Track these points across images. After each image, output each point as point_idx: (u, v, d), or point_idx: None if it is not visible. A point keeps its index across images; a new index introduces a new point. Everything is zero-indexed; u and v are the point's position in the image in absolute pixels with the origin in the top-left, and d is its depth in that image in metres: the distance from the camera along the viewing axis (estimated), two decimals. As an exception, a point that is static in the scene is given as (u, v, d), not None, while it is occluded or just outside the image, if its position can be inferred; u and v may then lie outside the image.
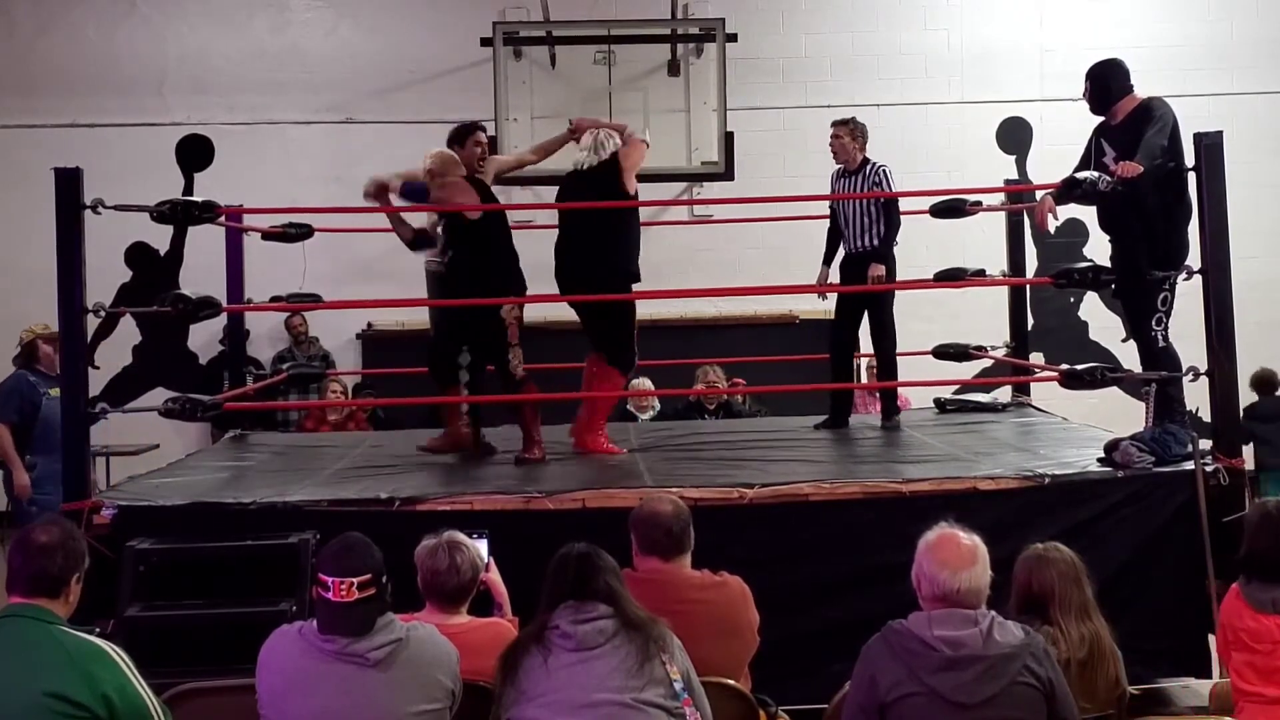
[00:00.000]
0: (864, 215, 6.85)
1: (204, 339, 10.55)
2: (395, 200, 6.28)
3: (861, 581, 4.99)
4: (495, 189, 6.51)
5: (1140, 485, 5.25)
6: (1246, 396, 7.89)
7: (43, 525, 3.27)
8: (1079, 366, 5.65)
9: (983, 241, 8.96)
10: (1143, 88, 5.85)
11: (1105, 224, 5.91)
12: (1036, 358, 8.74)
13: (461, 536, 3.81)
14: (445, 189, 5.99)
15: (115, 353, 10.30)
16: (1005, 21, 11.09)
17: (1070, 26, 10.96)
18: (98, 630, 3.32)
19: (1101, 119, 5.90)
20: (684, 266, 9.75)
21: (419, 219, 6.65)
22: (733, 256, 10.47)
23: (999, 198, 7.88)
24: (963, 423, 7.13)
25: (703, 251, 10.39)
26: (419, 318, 9.37)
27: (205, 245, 8.99)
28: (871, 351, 7.22)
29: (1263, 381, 8.95)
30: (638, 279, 6.33)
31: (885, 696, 3.16)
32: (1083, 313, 11.00)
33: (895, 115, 10.39)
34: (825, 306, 7.88)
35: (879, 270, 6.75)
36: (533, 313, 8.30)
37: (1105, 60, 5.92)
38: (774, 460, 5.88)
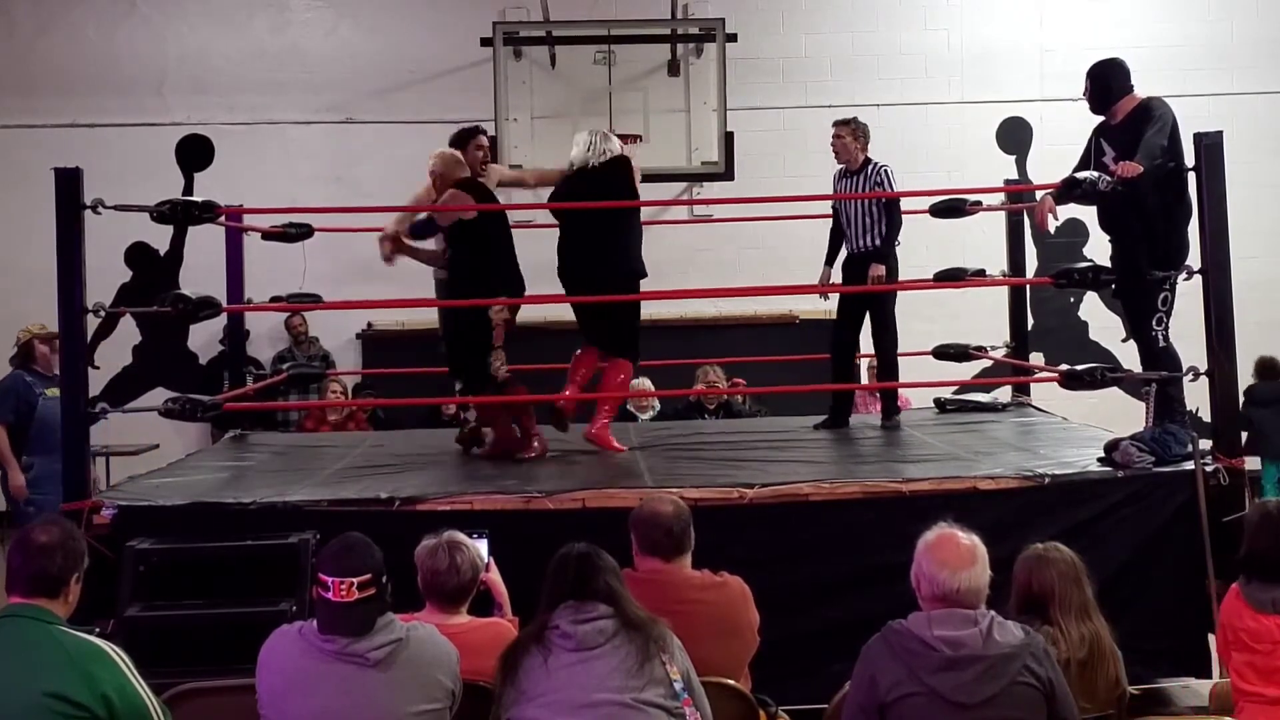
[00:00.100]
0: (866, 215, 6.85)
1: (204, 339, 10.56)
2: (410, 243, 6.26)
3: (861, 581, 4.99)
4: (496, 190, 6.49)
5: (1140, 485, 5.24)
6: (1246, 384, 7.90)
7: (42, 525, 3.27)
8: (1079, 367, 5.65)
9: (983, 241, 8.96)
10: (1143, 88, 5.84)
11: (1105, 224, 5.90)
12: (1036, 358, 8.74)
13: (461, 536, 3.80)
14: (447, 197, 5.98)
15: (115, 353, 10.30)
16: (1005, 21, 11.10)
17: (1070, 26, 10.96)
18: (98, 630, 3.31)
19: (1101, 119, 5.89)
20: (684, 266, 9.76)
21: (431, 241, 6.62)
22: (732, 256, 10.48)
23: (999, 198, 7.88)
24: (963, 423, 7.12)
25: (702, 251, 10.39)
26: (419, 318, 9.39)
27: (205, 245, 9.00)
28: (873, 353, 7.22)
29: (1266, 367, 8.99)
30: (644, 275, 6.33)
31: (885, 696, 3.16)
32: (1083, 313, 11.01)
33: (895, 115, 10.37)
34: (825, 307, 7.88)
35: (879, 270, 6.75)
36: (533, 313, 8.35)
37: (1106, 60, 5.91)
38: (774, 460, 5.88)
